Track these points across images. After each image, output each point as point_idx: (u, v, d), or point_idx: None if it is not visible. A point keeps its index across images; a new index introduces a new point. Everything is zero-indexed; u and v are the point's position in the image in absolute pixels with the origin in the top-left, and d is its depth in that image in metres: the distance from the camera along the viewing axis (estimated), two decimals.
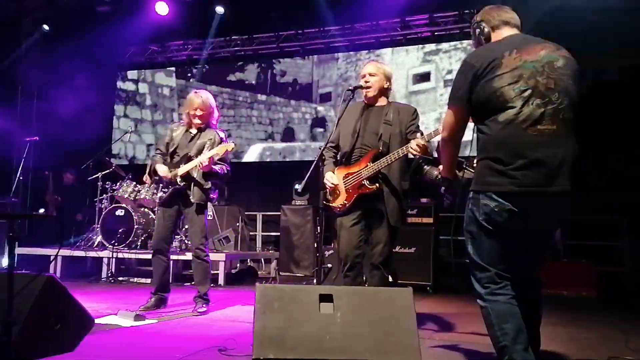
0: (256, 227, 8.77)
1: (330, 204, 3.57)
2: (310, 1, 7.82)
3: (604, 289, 6.11)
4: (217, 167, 4.25)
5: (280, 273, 7.25)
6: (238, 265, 7.81)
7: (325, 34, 8.84)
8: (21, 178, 7.08)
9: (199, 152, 4.25)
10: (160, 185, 4.31)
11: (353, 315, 2.50)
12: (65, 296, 2.78)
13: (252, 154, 9.34)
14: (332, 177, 3.55)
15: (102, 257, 6.49)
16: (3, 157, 8.57)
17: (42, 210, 7.75)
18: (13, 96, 9.17)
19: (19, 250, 6.48)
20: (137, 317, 3.76)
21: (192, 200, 4.24)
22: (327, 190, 3.59)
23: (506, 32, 2.40)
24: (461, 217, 2.38)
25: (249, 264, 7.89)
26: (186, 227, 5.66)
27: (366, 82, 3.56)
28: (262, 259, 8.25)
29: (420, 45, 8.49)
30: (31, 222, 8.08)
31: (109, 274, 6.35)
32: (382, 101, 3.62)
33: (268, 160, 9.23)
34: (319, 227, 6.15)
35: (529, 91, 2.15)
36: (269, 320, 2.47)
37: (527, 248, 2.27)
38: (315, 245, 6.21)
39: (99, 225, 6.77)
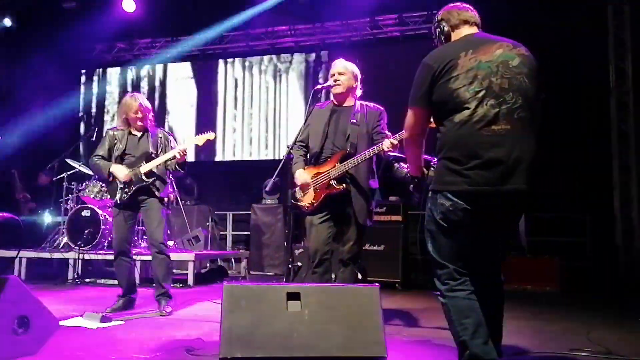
0: (226, 226, 8.73)
1: (299, 203, 3.61)
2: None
3: (567, 284, 6.29)
4: (186, 158, 4.33)
5: (251, 272, 7.24)
6: (208, 264, 7.75)
7: (295, 32, 8.83)
8: None
9: (156, 149, 4.34)
10: (118, 187, 4.25)
11: (320, 313, 2.52)
12: (29, 298, 2.73)
13: (221, 153, 9.30)
14: (302, 175, 3.59)
15: (68, 259, 6.36)
16: None
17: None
18: None
19: None
20: (104, 319, 3.70)
21: (157, 194, 4.29)
22: (297, 188, 3.62)
23: (465, 30, 2.44)
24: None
25: (219, 263, 7.84)
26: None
27: (335, 80, 3.61)
28: (233, 258, 8.21)
29: None
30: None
31: (75, 276, 6.24)
32: (349, 101, 3.67)
33: (237, 159, 9.20)
34: (289, 226, 6.19)
35: (483, 92, 2.19)
36: (237, 319, 2.47)
37: (484, 245, 2.32)
38: (285, 244, 6.23)
39: (64, 226, 6.63)
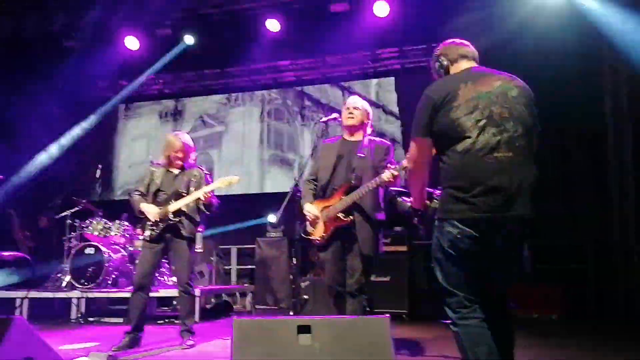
0: (230, 260, 8.66)
1: (310, 237, 3.70)
2: (283, 34, 7.92)
3: (570, 311, 6.22)
4: (214, 200, 4.40)
5: (256, 306, 7.15)
6: (213, 300, 7.67)
7: (297, 67, 8.96)
8: None
9: (188, 188, 4.39)
10: (147, 223, 4.33)
11: (332, 345, 2.48)
12: (34, 339, 2.70)
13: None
14: (312, 209, 3.67)
15: (71, 298, 6.28)
16: None
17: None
18: None
19: None
20: (110, 358, 3.65)
21: (184, 234, 4.33)
22: (308, 222, 3.71)
23: (464, 64, 2.53)
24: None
25: (224, 298, 7.76)
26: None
27: (350, 113, 3.74)
28: (238, 293, 8.13)
29: None
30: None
31: (79, 315, 6.16)
32: (358, 135, 3.77)
33: (239, 192, 9.19)
34: (294, 259, 6.15)
35: (484, 121, 2.25)
36: (247, 354, 2.43)
37: (491, 272, 2.33)
38: (292, 277, 6.17)
39: (67, 265, 6.58)
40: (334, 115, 3.85)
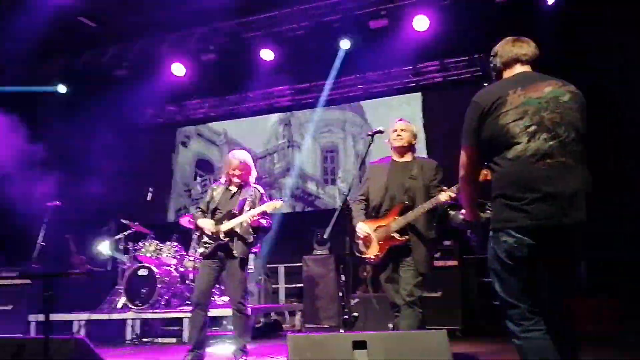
0: (278, 279, 8.69)
1: (363, 255, 3.81)
2: (322, 54, 8.01)
3: (627, 325, 5.92)
4: (263, 221, 4.42)
5: (306, 325, 7.12)
6: (262, 319, 7.70)
7: (338, 85, 9.03)
8: (44, 244, 7.11)
9: (241, 208, 4.41)
10: (202, 240, 4.41)
11: None
12: (96, 358, 2.77)
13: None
14: (364, 228, 3.77)
15: (127, 319, 6.43)
16: (22, 223, 8.67)
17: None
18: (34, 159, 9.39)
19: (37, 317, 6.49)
20: None
21: (235, 254, 4.34)
22: (360, 241, 3.81)
23: (517, 69, 2.49)
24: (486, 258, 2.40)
25: (272, 317, 7.77)
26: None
27: (398, 135, 3.87)
28: (286, 312, 8.13)
29: None
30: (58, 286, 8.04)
31: (134, 335, 6.29)
32: (407, 157, 3.89)
33: (285, 211, 9.25)
34: (342, 276, 6.12)
35: (534, 127, 2.21)
36: None
37: (550, 281, 2.27)
38: (340, 294, 6.12)
39: (122, 286, 6.75)
40: (380, 128, 3.92)
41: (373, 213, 3.83)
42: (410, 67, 8.61)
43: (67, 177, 8.93)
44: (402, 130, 3.87)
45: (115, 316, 6.48)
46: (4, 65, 8.55)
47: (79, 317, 6.37)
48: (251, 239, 4.44)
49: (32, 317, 6.58)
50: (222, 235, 4.33)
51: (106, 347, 5.88)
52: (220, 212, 4.44)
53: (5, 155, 8.19)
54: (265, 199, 4.55)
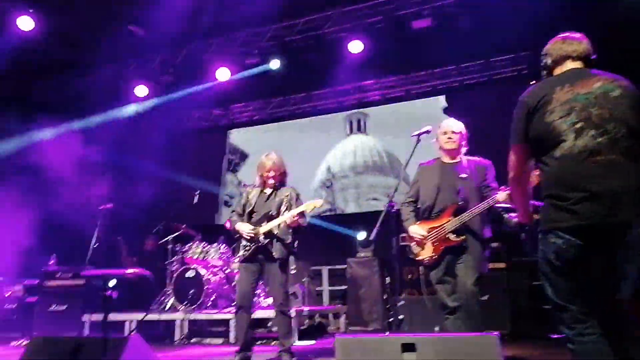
0: (321, 281, 8.71)
1: (417, 257, 3.81)
2: (367, 55, 8.00)
3: None
4: (302, 221, 4.39)
5: (350, 327, 7.11)
6: (306, 321, 7.72)
7: (381, 85, 9.00)
8: (96, 246, 7.35)
9: (278, 209, 4.39)
10: (241, 244, 4.43)
11: None
12: (150, 357, 2.84)
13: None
14: (417, 230, 3.78)
15: (175, 320, 6.58)
16: (75, 225, 9.01)
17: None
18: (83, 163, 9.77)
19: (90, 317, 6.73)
20: None
21: (275, 256, 4.33)
22: (413, 243, 3.82)
23: (568, 65, 2.43)
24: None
25: (317, 319, 7.79)
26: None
27: (449, 137, 3.85)
28: (330, 314, 8.13)
29: None
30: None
31: (182, 336, 6.43)
32: (458, 157, 3.89)
33: (328, 213, 9.28)
34: (388, 278, 6.09)
35: (581, 123, 2.16)
36: None
37: (602, 282, 2.21)
38: (385, 297, 6.10)
39: (170, 288, 6.92)
40: (426, 128, 3.85)
41: (425, 215, 3.82)
42: (454, 67, 8.50)
43: (119, 180, 9.25)
44: (452, 132, 3.85)
45: (164, 317, 6.64)
46: None
47: (131, 317, 6.54)
48: (290, 240, 4.42)
49: (85, 317, 6.83)
50: (261, 237, 4.32)
51: (156, 346, 6.02)
52: (258, 214, 4.46)
53: (62, 159, 8.57)
54: (301, 200, 4.52)
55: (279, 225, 4.32)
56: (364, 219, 8.43)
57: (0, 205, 8.30)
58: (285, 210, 4.37)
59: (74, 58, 8.81)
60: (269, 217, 4.37)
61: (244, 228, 4.37)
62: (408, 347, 2.46)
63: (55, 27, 7.92)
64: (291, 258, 6.56)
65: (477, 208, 3.57)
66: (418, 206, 3.90)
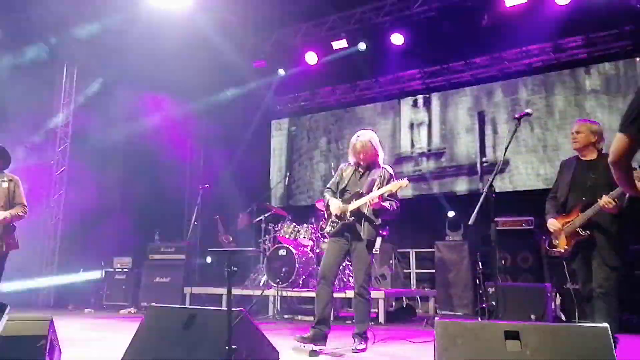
0: (409, 264, 8.71)
1: (555, 249, 4.04)
2: (452, 35, 7.81)
3: None
4: (386, 204, 4.32)
5: (439, 312, 7.08)
6: (394, 303, 7.77)
7: (471, 66, 8.75)
8: (196, 223, 7.77)
9: (370, 188, 4.35)
10: (330, 219, 4.47)
11: (544, 354, 2.37)
12: (255, 331, 3.01)
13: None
14: (555, 224, 4.03)
15: (268, 296, 6.85)
16: (175, 204, 9.60)
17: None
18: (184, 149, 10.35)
19: (193, 290, 7.18)
20: (312, 353, 3.89)
21: (362, 236, 4.31)
22: (552, 235, 4.05)
23: None
24: None
25: (404, 301, 7.81)
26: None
27: (573, 138, 4.02)
28: (418, 297, 8.13)
29: None
30: (202, 264, 8.81)
31: (275, 311, 6.70)
32: (591, 155, 3.97)
33: (417, 193, 9.19)
34: (480, 264, 5.99)
35: None
36: (452, 356, 2.44)
37: None
38: (477, 282, 6.00)
39: (263, 265, 7.20)
40: (528, 110, 3.83)
41: (561, 209, 4.02)
42: (550, 43, 8.09)
43: (215, 161, 9.71)
44: (576, 132, 3.99)
45: (258, 292, 6.94)
46: None
47: (221, 292, 6.89)
48: (379, 221, 4.36)
49: (186, 289, 7.30)
50: (348, 215, 4.32)
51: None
52: (349, 193, 4.42)
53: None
54: (394, 180, 4.40)
55: (367, 204, 4.28)
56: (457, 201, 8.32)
57: (112, 184, 9.03)
58: (377, 190, 4.30)
59: None
60: (358, 196, 4.34)
61: (333, 204, 4.40)
62: (511, 335, 2.43)
63: None
64: (378, 239, 6.57)
65: (597, 205, 3.70)
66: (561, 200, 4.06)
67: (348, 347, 4.27)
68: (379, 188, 4.31)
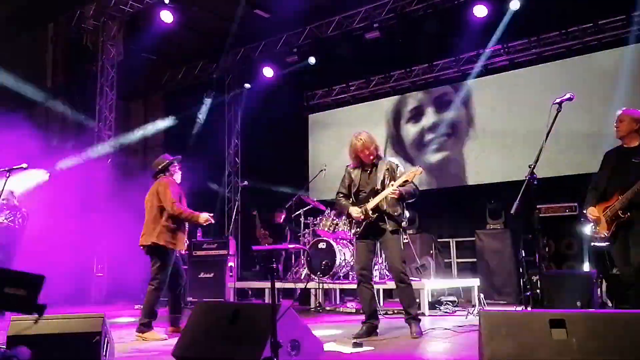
0: (450, 253, 8.63)
1: (596, 235, 4.14)
2: (490, 19, 7.69)
3: None
4: (403, 189, 4.38)
5: (483, 301, 7.00)
6: (436, 293, 7.72)
7: (508, 50, 8.59)
8: (236, 219, 7.91)
9: (383, 183, 4.44)
10: (353, 222, 4.56)
11: (591, 342, 2.35)
12: (299, 323, 3.07)
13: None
14: (594, 211, 4.14)
15: (310, 289, 6.93)
16: (215, 201, 9.79)
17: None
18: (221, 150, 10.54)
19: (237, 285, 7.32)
20: (355, 345, 3.93)
21: (387, 228, 4.42)
22: (593, 222, 4.15)
23: None
24: None
25: (447, 291, 7.74)
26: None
27: (616, 126, 4.11)
28: (460, 287, 8.04)
29: None
30: (245, 258, 8.95)
31: (317, 304, 6.77)
32: (634, 142, 4.06)
33: (456, 184, 9.08)
34: (523, 252, 5.89)
35: None
36: (498, 346, 2.44)
37: None
38: (521, 271, 5.91)
39: (304, 259, 7.28)
40: (568, 95, 3.63)
41: (601, 199, 4.10)
42: (591, 24, 7.86)
43: (251, 159, 9.86)
44: (620, 121, 4.08)
45: (300, 285, 7.03)
46: None
47: (265, 285, 7.00)
48: (399, 211, 4.46)
49: (229, 284, 7.45)
50: (370, 213, 4.40)
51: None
52: (364, 192, 4.52)
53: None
54: (401, 169, 4.54)
55: (385, 198, 4.36)
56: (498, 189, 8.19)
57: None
58: (389, 183, 4.40)
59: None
60: (375, 193, 4.43)
61: (354, 211, 4.48)
62: (557, 323, 2.41)
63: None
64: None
65: (637, 185, 3.76)
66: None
67: (387, 337, 4.42)
68: (390, 180, 4.42)
